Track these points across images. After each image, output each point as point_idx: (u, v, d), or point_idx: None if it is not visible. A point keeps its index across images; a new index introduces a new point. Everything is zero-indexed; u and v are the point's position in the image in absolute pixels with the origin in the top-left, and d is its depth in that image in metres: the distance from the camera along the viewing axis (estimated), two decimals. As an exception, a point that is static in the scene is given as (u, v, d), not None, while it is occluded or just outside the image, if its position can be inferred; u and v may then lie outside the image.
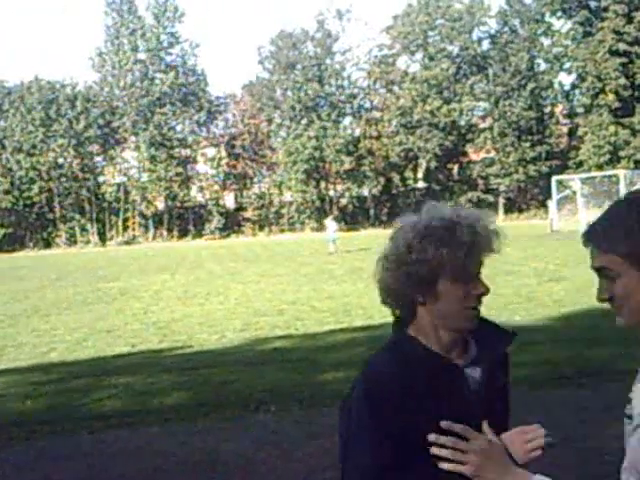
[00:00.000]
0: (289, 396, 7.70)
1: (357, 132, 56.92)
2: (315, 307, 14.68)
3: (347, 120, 57.82)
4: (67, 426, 7.14)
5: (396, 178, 56.00)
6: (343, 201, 56.61)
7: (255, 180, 59.96)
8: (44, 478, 5.77)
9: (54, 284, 24.26)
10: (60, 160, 55.55)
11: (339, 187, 57.23)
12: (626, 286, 1.52)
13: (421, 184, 57.22)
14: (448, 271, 1.74)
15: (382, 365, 1.81)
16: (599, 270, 1.56)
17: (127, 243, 53.40)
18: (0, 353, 11.73)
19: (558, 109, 55.22)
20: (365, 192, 56.87)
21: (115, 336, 12.47)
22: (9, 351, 11.89)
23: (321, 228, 52.81)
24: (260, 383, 8.31)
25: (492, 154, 54.01)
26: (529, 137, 52.43)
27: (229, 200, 58.84)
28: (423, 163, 55.26)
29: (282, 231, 55.08)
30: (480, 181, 54.62)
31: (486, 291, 1.78)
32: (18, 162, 54.45)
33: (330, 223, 31.24)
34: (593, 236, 1.57)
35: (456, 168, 56.62)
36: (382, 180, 55.52)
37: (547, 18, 53.53)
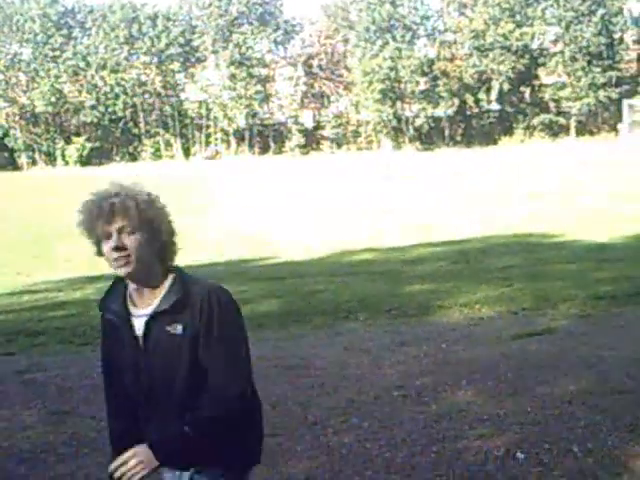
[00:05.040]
0: (377, 306, 7.83)
1: (431, 54, 56.01)
2: (395, 222, 14.67)
3: (421, 42, 56.89)
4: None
5: (470, 100, 55.24)
6: (418, 121, 55.76)
7: (332, 99, 59.51)
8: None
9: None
10: (143, 77, 56.27)
11: (414, 107, 56.49)
12: None
13: (495, 106, 56.18)
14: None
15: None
16: None
17: (210, 159, 54.25)
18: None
19: (627, 35, 53.93)
20: (440, 113, 56.08)
21: (202, 246, 12.81)
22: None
23: (398, 147, 52.50)
24: (348, 293, 8.44)
25: (563, 78, 53.45)
26: (599, 62, 51.84)
27: (307, 118, 58.69)
28: (496, 85, 54.18)
29: (360, 149, 54.78)
30: (552, 104, 54.00)
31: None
32: (102, 78, 55.44)
33: (384, 144, 29.76)
34: None
35: (528, 91, 55.63)
36: (456, 101, 54.86)
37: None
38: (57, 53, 55.76)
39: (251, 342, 6.57)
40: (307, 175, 31.94)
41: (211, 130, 56.61)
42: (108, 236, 2.05)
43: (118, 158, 55.97)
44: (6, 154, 56.47)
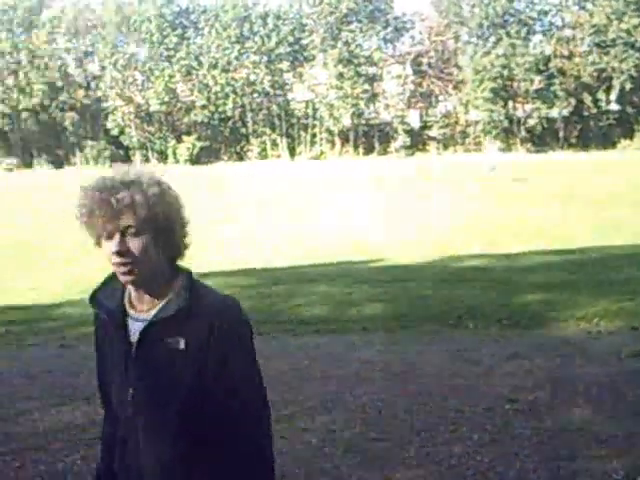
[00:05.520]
0: (487, 315, 7.61)
1: (547, 50, 53.96)
2: (506, 228, 14.28)
3: (537, 38, 54.97)
4: (271, 328, 7.47)
5: (588, 99, 52.82)
6: (531, 122, 54.03)
7: (441, 98, 58.66)
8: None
9: (249, 195, 25.35)
10: (252, 77, 57.51)
11: (527, 107, 54.67)
12: None
13: (614, 106, 53.38)
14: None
15: None
16: None
17: (315, 159, 54.73)
18: (202, 255, 12.39)
19: None
20: (555, 113, 53.98)
21: (309, 247, 12.90)
22: (208, 255, 12.55)
23: (509, 149, 51.08)
24: (457, 300, 8.24)
25: (694, 78, 49.97)
26: None
27: (414, 118, 58.15)
28: (617, 84, 51.52)
29: (467, 151, 53.71)
30: (679, 106, 50.77)
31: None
32: (214, 78, 57.01)
33: (490, 146, 28.72)
34: None
35: (652, 91, 52.30)
36: (573, 101, 52.58)
37: None
38: (171, 53, 58.14)
39: (356, 344, 6.55)
40: (413, 176, 31.63)
41: (317, 130, 57.07)
42: (110, 236, 1.74)
43: (226, 157, 57.43)
44: (121, 152, 59.12)
